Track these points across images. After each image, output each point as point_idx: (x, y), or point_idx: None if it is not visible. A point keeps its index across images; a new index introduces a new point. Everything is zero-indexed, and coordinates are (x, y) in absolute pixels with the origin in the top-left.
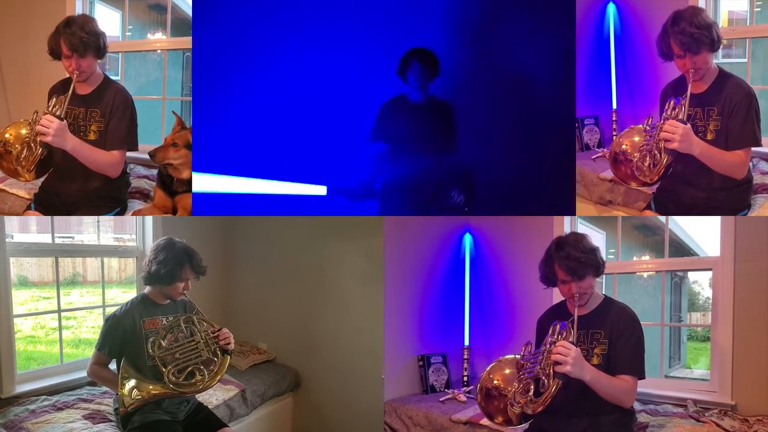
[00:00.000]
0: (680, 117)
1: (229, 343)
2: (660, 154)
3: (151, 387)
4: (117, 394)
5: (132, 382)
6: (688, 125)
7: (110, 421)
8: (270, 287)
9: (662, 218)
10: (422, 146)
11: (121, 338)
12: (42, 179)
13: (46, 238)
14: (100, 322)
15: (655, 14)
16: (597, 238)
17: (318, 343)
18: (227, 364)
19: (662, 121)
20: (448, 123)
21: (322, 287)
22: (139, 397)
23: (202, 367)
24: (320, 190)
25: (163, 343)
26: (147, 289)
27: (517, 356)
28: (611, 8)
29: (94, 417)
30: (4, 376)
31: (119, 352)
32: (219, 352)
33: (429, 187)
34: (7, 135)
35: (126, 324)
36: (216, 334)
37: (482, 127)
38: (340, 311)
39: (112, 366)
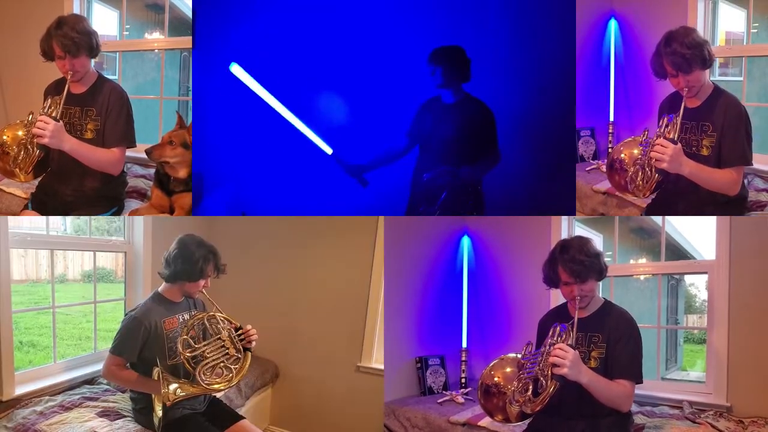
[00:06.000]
0: (671, 136)
1: (253, 341)
2: (651, 171)
3: (191, 386)
4: (135, 393)
5: (174, 384)
6: (678, 145)
7: (125, 416)
8: (261, 288)
9: (659, 222)
10: (447, 148)
11: (143, 339)
12: (39, 178)
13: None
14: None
15: (655, 30)
16: (594, 240)
17: (296, 338)
18: (249, 361)
19: (655, 138)
20: (480, 126)
21: (318, 286)
22: (183, 394)
23: (230, 365)
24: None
25: (192, 342)
26: (162, 286)
27: (518, 355)
28: (612, 24)
29: (109, 414)
30: (4, 379)
31: (138, 353)
32: (242, 349)
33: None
34: (4, 137)
35: (147, 324)
36: (240, 331)
37: None
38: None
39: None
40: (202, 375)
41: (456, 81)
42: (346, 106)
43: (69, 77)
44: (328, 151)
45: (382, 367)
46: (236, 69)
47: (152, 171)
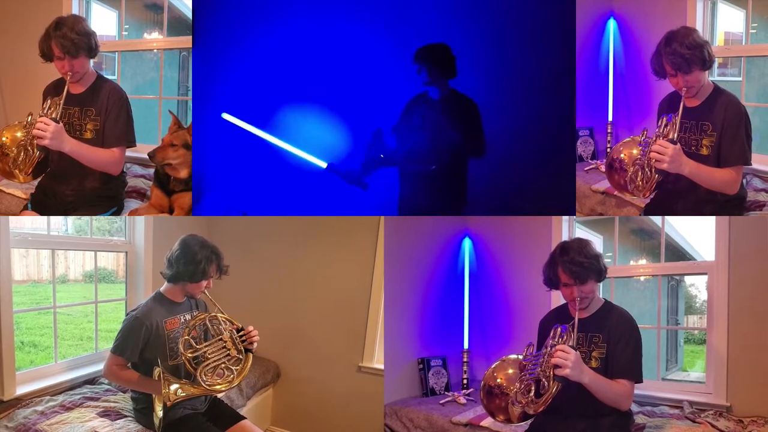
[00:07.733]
0: (670, 136)
1: (254, 342)
2: (651, 171)
3: (192, 387)
4: (136, 393)
5: (175, 385)
6: (678, 145)
7: (126, 416)
8: (262, 288)
9: (659, 223)
10: (433, 141)
11: (144, 339)
12: (38, 179)
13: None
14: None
15: (654, 30)
16: (594, 242)
17: (298, 338)
18: (250, 362)
19: (654, 138)
20: (465, 121)
21: (319, 286)
22: (184, 394)
23: (231, 365)
24: (320, 163)
25: (194, 343)
26: (164, 287)
27: (519, 356)
28: (611, 23)
29: (110, 414)
30: (5, 379)
31: (139, 353)
32: (243, 350)
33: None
34: (3, 138)
35: (149, 324)
36: (242, 333)
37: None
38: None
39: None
40: (204, 376)
41: (442, 78)
42: (339, 109)
43: (68, 78)
44: (322, 165)
45: (383, 367)
46: (227, 117)
47: (152, 171)
